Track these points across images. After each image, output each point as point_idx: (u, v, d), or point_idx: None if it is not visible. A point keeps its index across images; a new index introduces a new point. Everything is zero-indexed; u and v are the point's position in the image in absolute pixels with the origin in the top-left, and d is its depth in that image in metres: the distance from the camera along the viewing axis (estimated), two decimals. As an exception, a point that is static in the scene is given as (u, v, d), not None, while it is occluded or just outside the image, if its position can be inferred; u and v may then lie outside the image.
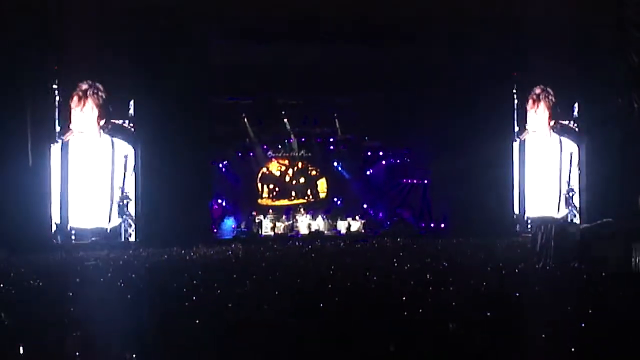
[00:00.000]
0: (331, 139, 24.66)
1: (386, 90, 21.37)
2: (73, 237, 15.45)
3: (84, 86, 15.98)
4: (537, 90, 18.99)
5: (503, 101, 19.43)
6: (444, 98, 19.75)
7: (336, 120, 23.78)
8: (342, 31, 17.78)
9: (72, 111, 15.78)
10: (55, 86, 16.45)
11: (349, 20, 17.20)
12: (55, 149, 15.95)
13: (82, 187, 15.51)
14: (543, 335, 5.07)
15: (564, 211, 19.05)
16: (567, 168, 19.19)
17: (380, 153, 24.99)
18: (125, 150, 16.72)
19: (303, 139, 24.52)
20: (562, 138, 19.30)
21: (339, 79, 20.50)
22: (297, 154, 24.75)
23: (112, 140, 16.39)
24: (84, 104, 15.39)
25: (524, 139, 19.17)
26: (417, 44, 18.86)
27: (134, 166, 17.23)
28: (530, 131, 19.01)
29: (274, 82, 20.61)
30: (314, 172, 25.17)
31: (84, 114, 15.52)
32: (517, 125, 19.30)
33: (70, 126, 15.85)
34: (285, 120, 23.49)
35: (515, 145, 19.25)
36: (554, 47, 18.24)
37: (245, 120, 23.18)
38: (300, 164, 25.03)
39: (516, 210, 19.05)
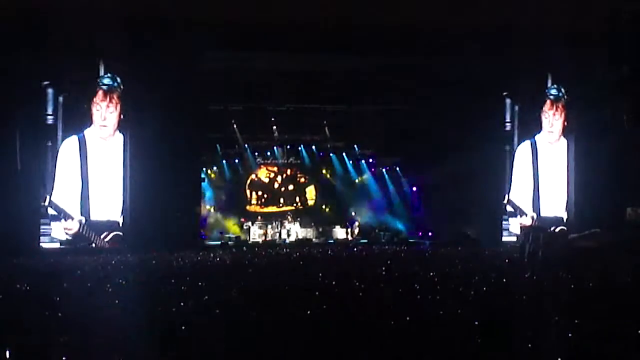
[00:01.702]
0: (321, 146, 24.67)
1: (377, 98, 21.41)
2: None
3: (107, 80, 16.22)
4: (554, 92, 18.95)
5: (496, 109, 19.50)
6: (436, 106, 19.80)
7: (326, 127, 23.80)
8: (333, 40, 17.80)
9: (95, 105, 15.93)
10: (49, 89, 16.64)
11: (340, 29, 17.23)
12: (72, 143, 16.10)
13: (100, 182, 15.90)
14: (530, 345, 5.07)
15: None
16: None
17: (371, 160, 25.02)
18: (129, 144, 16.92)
19: (290, 146, 24.54)
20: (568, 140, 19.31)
21: (330, 86, 20.56)
22: (285, 161, 24.76)
23: (123, 137, 16.59)
24: (110, 100, 15.64)
25: (536, 141, 19.13)
26: (408, 52, 18.90)
27: (124, 170, 17.26)
28: (546, 132, 18.94)
29: (264, 89, 20.65)
30: (302, 180, 25.16)
31: (109, 109, 15.74)
32: (517, 130, 19.38)
33: (94, 120, 15.98)
34: (274, 127, 23.50)
35: (518, 150, 19.34)
36: (545, 56, 18.31)
37: (235, 127, 23.17)
38: (289, 171, 25.03)
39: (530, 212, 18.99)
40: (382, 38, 18.03)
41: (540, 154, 18.92)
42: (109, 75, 16.59)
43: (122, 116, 16.02)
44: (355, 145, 24.84)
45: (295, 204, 24.94)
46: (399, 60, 19.41)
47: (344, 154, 24.96)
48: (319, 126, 23.82)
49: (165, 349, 5.18)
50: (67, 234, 15.97)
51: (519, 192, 19.08)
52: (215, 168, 24.05)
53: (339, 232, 23.53)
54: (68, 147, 16.29)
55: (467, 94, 18.54)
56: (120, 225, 16.58)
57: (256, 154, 24.67)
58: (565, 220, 19.01)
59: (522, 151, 19.20)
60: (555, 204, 19.04)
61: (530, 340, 5.17)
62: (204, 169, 22.72)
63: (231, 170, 24.46)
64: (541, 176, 18.92)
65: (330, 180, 25.11)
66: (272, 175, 25.02)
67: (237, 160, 24.50)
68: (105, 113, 16.00)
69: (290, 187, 25.07)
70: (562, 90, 18.99)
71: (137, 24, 16.71)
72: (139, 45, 17.14)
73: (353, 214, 24.52)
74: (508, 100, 19.47)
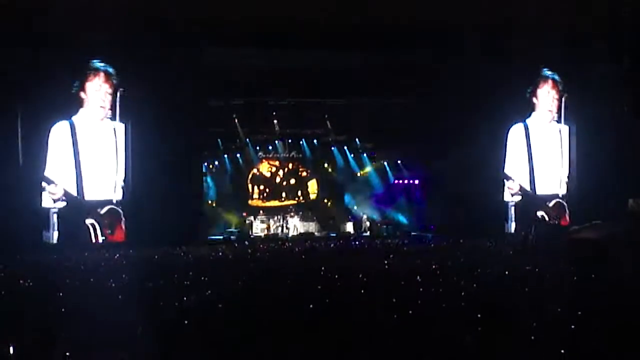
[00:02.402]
0: (322, 140, 24.64)
1: (377, 92, 21.38)
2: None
3: (98, 64, 16.45)
4: (547, 72, 19.09)
5: (495, 104, 19.47)
6: (436, 99, 19.79)
7: (327, 122, 23.77)
8: (333, 35, 17.79)
9: (87, 89, 16.14)
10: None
11: (340, 25, 17.22)
12: (63, 126, 16.26)
13: (92, 163, 16.09)
14: (532, 337, 5.08)
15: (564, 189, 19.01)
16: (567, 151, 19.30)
17: (372, 154, 25.00)
18: (121, 129, 16.98)
19: (291, 140, 24.51)
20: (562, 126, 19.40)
21: (331, 81, 20.54)
22: (287, 155, 24.74)
23: (113, 122, 16.69)
24: (94, 76, 15.93)
25: (527, 123, 19.28)
26: (408, 47, 18.88)
27: (125, 161, 17.40)
28: (539, 112, 19.09)
29: (265, 84, 20.64)
30: (304, 174, 25.14)
31: (100, 92, 16.04)
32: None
33: (85, 104, 16.16)
34: (275, 121, 23.47)
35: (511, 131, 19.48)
36: (547, 50, 18.29)
37: (237, 121, 23.15)
38: (290, 165, 25.01)
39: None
40: (382, 33, 18.02)
41: (532, 135, 18.98)
42: (99, 59, 16.75)
43: (114, 100, 16.23)
44: (356, 139, 24.81)
45: (297, 198, 24.93)
46: (399, 55, 19.40)
47: (345, 147, 24.95)
48: (320, 120, 23.80)
49: (168, 344, 5.20)
50: (53, 200, 16.06)
51: (514, 171, 19.34)
52: (216, 163, 24.03)
53: (348, 226, 23.55)
54: (59, 131, 16.36)
55: (467, 88, 18.53)
56: (115, 202, 16.57)
57: (257, 148, 24.64)
58: (560, 195, 18.96)
59: (516, 132, 19.35)
60: (550, 182, 19.11)
61: (532, 332, 5.18)
62: (206, 163, 22.71)
63: (233, 165, 24.44)
64: (535, 156, 18.97)
65: (332, 174, 25.09)
66: (274, 169, 25.00)
67: (238, 155, 24.48)
68: (101, 95, 16.17)
69: (292, 181, 25.05)
70: (557, 73, 18.91)
71: (140, 20, 16.73)
72: (140, 41, 17.16)
73: (355, 207, 24.52)
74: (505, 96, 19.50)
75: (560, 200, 18.71)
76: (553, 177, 19.00)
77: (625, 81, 17.76)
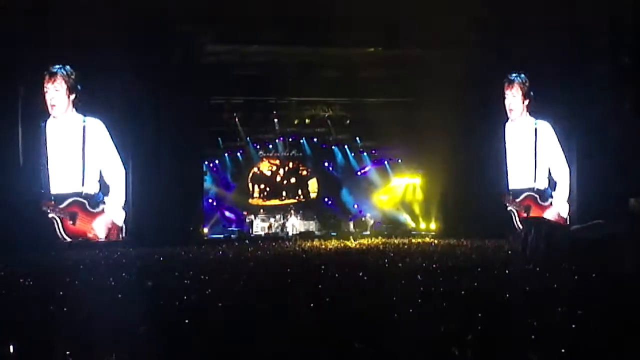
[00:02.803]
0: (323, 139, 24.66)
1: (379, 90, 21.38)
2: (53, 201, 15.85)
3: (53, 69, 16.45)
4: (511, 76, 19.15)
5: (494, 102, 19.47)
6: (437, 98, 19.79)
7: (328, 120, 23.78)
8: (334, 33, 17.80)
9: (46, 88, 16.18)
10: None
11: (340, 22, 17.21)
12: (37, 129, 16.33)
13: (60, 159, 16.04)
14: (533, 337, 5.06)
15: (543, 183, 19.13)
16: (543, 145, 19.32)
17: (373, 152, 25.02)
18: (96, 125, 16.81)
19: (292, 139, 24.53)
20: (539, 121, 19.43)
21: (331, 79, 20.55)
22: (287, 154, 24.75)
23: (83, 118, 16.55)
24: (54, 81, 16.03)
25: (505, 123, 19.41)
26: (408, 45, 18.89)
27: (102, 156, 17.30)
28: (508, 112, 19.22)
29: (266, 82, 20.64)
30: (304, 172, 25.17)
31: (56, 90, 16.10)
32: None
33: (47, 102, 16.21)
34: (275, 120, 23.48)
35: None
36: (545, 47, 18.27)
37: (237, 119, 23.15)
38: (291, 164, 25.04)
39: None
40: (383, 30, 18.03)
41: (507, 134, 19.27)
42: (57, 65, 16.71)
43: (70, 96, 16.17)
44: (357, 138, 24.84)
45: (297, 197, 24.96)
46: (400, 52, 19.41)
47: (346, 146, 24.97)
48: (320, 119, 23.82)
49: (169, 344, 5.18)
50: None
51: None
52: (217, 161, 24.04)
53: (349, 225, 23.60)
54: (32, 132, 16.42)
55: (467, 86, 18.52)
56: (84, 194, 16.36)
57: (258, 147, 24.65)
58: (534, 189, 19.07)
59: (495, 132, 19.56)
60: (522, 176, 19.24)
61: (532, 331, 5.17)
62: (206, 162, 22.73)
63: (233, 164, 24.46)
64: (508, 153, 19.22)
65: (332, 172, 25.13)
66: (274, 168, 25.05)
67: (238, 154, 24.49)
68: (52, 94, 16.14)
69: (293, 179, 25.11)
70: (520, 75, 19.08)
71: (139, 17, 16.73)
72: (139, 38, 17.16)
73: (355, 206, 24.57)
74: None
75: (531, 194, 18.71)
76: (525, 172, 19.04)
77: (626, 80, 17.73)
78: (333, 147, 24.97)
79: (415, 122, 21.41)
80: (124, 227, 17.29)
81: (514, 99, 18.79)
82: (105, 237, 16.46)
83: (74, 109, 16.49)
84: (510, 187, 18.99)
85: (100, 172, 16.82)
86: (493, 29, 17.77)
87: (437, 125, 19.72)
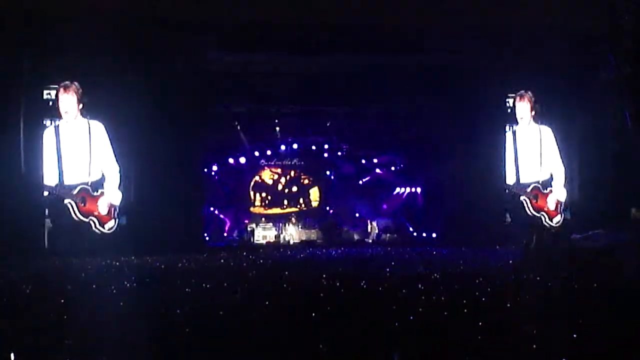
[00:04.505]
0: (325, 147, 24.68)
1: (381, 99, 21.43)
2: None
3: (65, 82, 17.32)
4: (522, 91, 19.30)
5: (496, 109, 19.50)
6: (439, 106, 19.85)
7: (331, 129, 23.81)
8: (337, 42, 17.85)
9: (60, 97, 17.28)
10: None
11: (344, 31, 17.28)
12: (49, 130, 17.42)
13: (69, 156, 17.49)
14: (534, 346, 5.07)
15: (544, 175, 19.39)
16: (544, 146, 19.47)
17: (375, 161, 25.04)
18: (98, 127, 17.69)
19: (295, 147, 24.56)
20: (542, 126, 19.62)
21: (335, 88, 20.58)
22: (289, 162, 24.79)
23: (88, 122, 17.51)
24: (67, 92, 17.28)
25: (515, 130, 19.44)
26: (413, 53, 18.93)
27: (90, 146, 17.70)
28: (519, 119, 19.35)
29: (268, 90, 20.68)
30: (306, 181, 25.21)
31: (69, 100, 17.33)
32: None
33: (60, 110, 17.30)
34: (277, 128, 23.53)
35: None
36: (545, 55, 18.33)
37: (239, 128, 23.20)
38: (293, 173, 25.07)
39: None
40: (386, 39, 18.08)
41: (517, 137, 19.42)
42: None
43: (79, 105, 17.43)
44: (359, 146, 24.88)
45: (299, 206, 25.00)
46: (404, 61, 19.45)
47: (348, 154, 25.00)
48: (323, 127, 23.84)
49: (170, 352, 5.19)
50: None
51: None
52: (218, 169, 24.08)
53: (350, 234, 23.65)
54: (47, 133, 17.57)
55: (470, 94, 18.57)
56: (90, 183, 17.44)
57: (259, 155, 24.69)
58: (540, 181, 19.11)
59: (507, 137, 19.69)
60: (530, 172, 19.35)
61: (534, 341, 5.17)
62: (207, 170, 22.77)
63: (234, 172, 24.50)
64: (519, 154, 19.29)
65: (334, 181, 25.16)
66: (276, 176, 25.10)
67: (240, 162, 24.53)
68: (66, 104, 17.42)
69: (294, 188, 25.15)
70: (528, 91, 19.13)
71: (140, 25, 16.80)
72: (141, 46, 17.23)
73: (357, 215, 24.61)
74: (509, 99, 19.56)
75: (537, 185, 19.25)
76: (532, 168, 19.53)
77: (626, 88, 17.78)
78: (335, 155, 24.99)
79: (417, 130, 21.44)
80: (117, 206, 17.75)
81: (523, 109, 19.23)
82: (107, 214, 17.46)
83: (80, 115, 17.50)
84: (521, 180, 19.45)
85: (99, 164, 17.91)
86: (491, 37, 17.83)
87: (439, 133, 19.78)
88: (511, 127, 20.15)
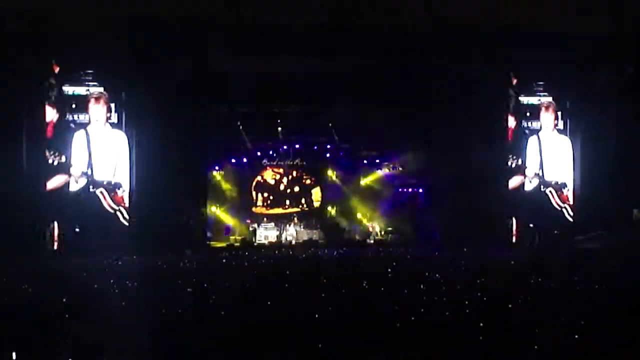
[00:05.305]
0: (327, 148, 24.60)
1: (383, 99, 21.37)
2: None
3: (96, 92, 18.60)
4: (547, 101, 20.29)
5: (498, 110, 19.47)
6: (441, 107, 19.80)
7: (333, 129, 23.74)
8: (338, 42, 17.82)
9: (91, 106, 18.46)
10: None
11: (345, 32, 17.26)
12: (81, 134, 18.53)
13: (98, 156, 18.77)
14: (536, 347, 5.06)
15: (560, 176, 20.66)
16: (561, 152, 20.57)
17: (377, 161, 24.96)
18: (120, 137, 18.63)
19: (298, 147, 24.48)
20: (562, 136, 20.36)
21: (336, 89, 20.53)
22: (291, 162, 24.71)
23: (114, 130, 18.53)
24: (98, 102, 18.61)
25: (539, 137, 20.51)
26: (414, 55, 18.89)
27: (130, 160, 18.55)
28: (544, 127, 20.52)
29: (270, 91, 20.64)
30: (308, 181, 25.12)
31: (98, 109, 18.64)
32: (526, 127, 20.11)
33: (90, 117, 18.56)
34: (279, 129, 23.44)
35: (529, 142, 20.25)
36: (549, 56, 18.28)
37: (241, 128, 23.14)
38: (295, 173, 24.98)
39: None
40: (387, 40, 18.05)
41: (542, 143, 20.58)
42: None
43: (109, 112, 18.64)
44: (361, 146, 24.79)
45: (300, 206, 24.90)
46: (404, 61, 19.40)
47: (350, 155, 24.92)
48: (325, 128, 23.77)
49: (170, 351, 5.19)
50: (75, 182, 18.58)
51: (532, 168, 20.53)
52: (220, 170, 24.04)
53: (352, 234, 23.58)
54: (78, 135, 18.54)
55: (471, 94, 18.54)
56: (112, 182, 18.54)
57: (261, 155, 24.64)
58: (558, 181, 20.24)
59: (532, 141, 20.44)
60: (554, 172, 20.45)
61: (535, 342, 5.17)
62: (210, 170, 22.76)
63: (237, 172, 24.45)
64: (543, 156, 20.47)
65: (336, 181, 25.07)
66: (278, 176, 24.98)
67: (242, 162, 24.48)
68: (96, 112, 18.67)
69: (296, 188, 25.03)
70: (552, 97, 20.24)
71: (144, 26, 16.80)
72: (145, 47, 17.23)
73: (359, 215, 24.54)
74: (512, 100, 19.56)
75: (559, 183, 20.16)
76: (554, 170, 20.29)
77: (629, 89, 17.75)
78: (337, 155, 24.93)
79: (421, 131, 21.38)
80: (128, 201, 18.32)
81: (548, 118, 20.47)
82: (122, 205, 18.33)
83: (107, 123, 18.66)
84: (546, 178, 20.00)
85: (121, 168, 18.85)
86: (494, 38, 17.80)
87: (442, 135, 19.74)
88: (537, 133, 20.66)
